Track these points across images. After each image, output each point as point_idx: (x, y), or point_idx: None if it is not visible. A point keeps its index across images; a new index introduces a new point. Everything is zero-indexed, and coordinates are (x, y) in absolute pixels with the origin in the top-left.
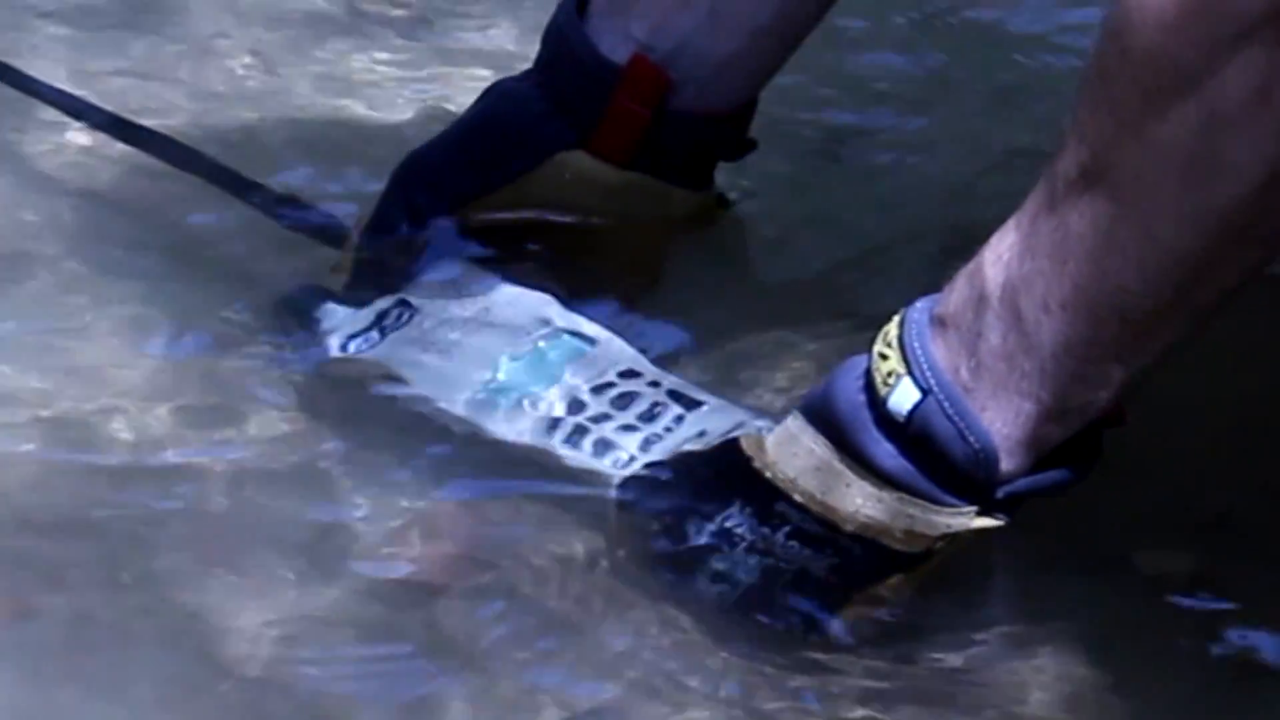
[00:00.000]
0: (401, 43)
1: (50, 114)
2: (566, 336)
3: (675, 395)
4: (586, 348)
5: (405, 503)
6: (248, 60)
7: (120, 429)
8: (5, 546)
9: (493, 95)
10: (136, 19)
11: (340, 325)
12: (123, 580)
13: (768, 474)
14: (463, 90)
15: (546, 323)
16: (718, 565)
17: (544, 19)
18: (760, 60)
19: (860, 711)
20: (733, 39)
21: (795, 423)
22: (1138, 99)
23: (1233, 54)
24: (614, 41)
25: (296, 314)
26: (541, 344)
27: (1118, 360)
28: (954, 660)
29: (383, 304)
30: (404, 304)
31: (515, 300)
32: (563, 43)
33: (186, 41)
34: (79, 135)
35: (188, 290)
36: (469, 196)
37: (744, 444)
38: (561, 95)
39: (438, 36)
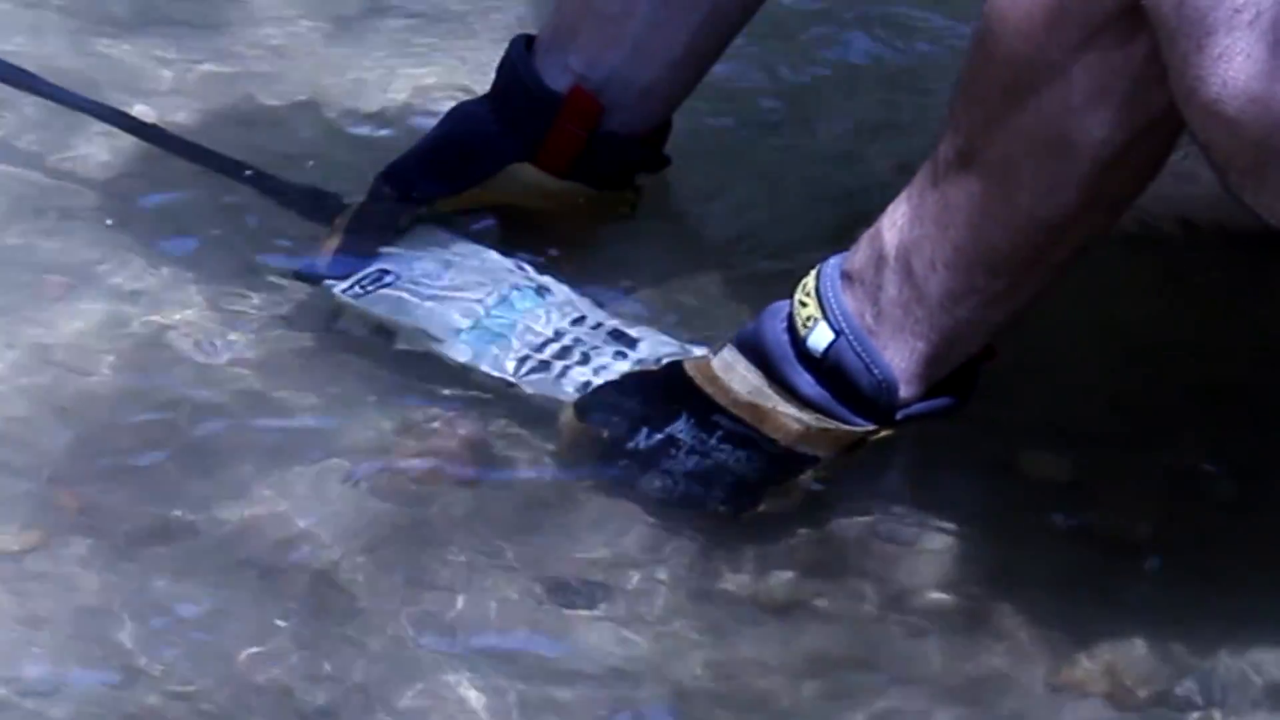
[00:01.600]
0: (406, 42)
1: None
2: (524, 288)
3: (617, 334)
4: (542, 297)
5: (401, 418)
6: (262, 53)
7: (173, 362)
8: (78, 451)
9: (456, 116)
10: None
11: (336, 285)
12: (184, 483)
13: (709, 390)
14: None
15: (506, 277)
16: (665, 465)
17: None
18: (675, 88)
19: (783, 573)
20: (652, 70)
21: (730, 353)
22: (1001, 94)
23: (1079, 56)
24: (555, 73)
25: (303, 279)
26: (504, 295)
27: (992, 307)
28: (859, 541)
29: (369, 270)
30: (384, 270)
31: (478, 261)
32: (514, 73)
33: (209, 35)
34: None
35: (217, 259)
36: (437, 197)
37: (688, 367)
38: (513, 117)
39: (443, 37)
